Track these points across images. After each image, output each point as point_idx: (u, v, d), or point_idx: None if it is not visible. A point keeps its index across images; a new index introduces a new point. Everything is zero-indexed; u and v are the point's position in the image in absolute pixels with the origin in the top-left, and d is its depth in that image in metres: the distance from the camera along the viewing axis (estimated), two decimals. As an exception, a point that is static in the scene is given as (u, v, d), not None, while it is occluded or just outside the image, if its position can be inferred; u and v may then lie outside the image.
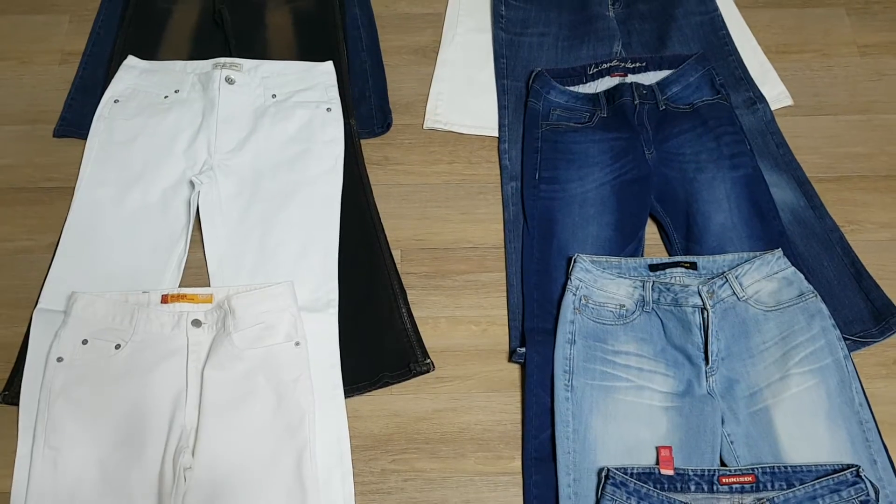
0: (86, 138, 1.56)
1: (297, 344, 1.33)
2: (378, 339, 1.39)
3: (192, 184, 1.49)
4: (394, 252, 1.48)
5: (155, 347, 1.31)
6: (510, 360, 1.39)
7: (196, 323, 1.33)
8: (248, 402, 1.28)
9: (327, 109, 1.58)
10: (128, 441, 1.24)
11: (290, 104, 1.58)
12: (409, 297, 1.43)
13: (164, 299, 1.35)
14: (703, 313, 1.35)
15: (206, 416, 1.26)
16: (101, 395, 1.27)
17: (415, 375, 1.37)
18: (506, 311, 1.44)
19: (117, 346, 1.31)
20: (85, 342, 1.31)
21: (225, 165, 1.52)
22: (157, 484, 1.21)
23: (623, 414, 1.31)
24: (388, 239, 1.49)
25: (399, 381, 1.36)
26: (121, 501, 1.21)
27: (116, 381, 1.28)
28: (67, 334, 1.30)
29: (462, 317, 1.43)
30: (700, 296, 1.35)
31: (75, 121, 1.61)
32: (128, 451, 1.24)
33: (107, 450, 1.24)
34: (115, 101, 1.58)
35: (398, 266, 1.47)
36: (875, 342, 1.39)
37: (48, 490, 1.22)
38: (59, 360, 1.29)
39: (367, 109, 1.63)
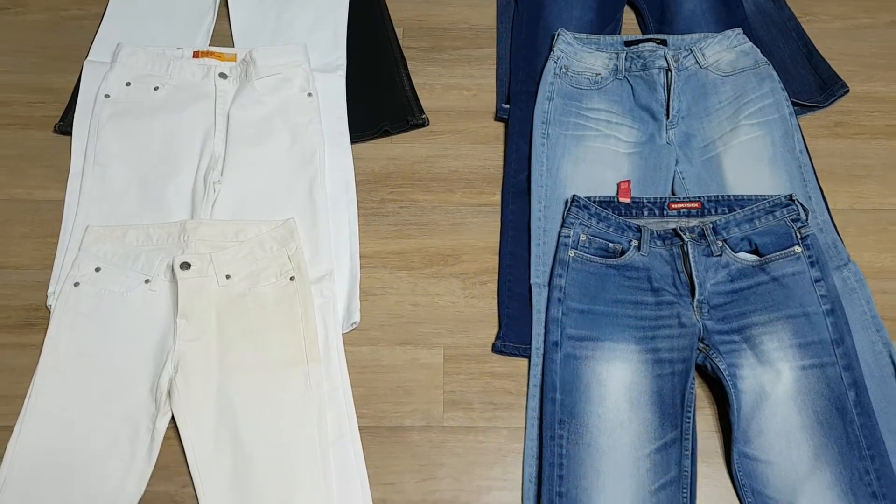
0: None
1: (310, 95, 1.53)
2: (380, 98, 1.59)
3: (219, -34, 1.69)
4: (396, 30, 1.67)
5: (188, 91, 1.52)
6: (496, 118, 1.59)
7: (222, 75, 1.53)
8: (268, 138, 1.49)
9: None
10: (165, 161, 1.45)
11: None
12: (409, 66, 1.63)
13: (196, 54, 1.55)
14: (667, 74, 1.52)
15: (231, 147, 1.47)
16: (142, 124, 1.48)
17: (412, 128, 1.57)
18: (494, 81, 1.63)
19: (156, 88, 1.51)
20: (128, 84, 1.51)
21: (248, -46, 1.72)
22: (191, 194, 1.43)
23: (591, 158, 1.50)
24: (392, 19, 1.68)
25: (398, 132, 1.56)
26: (159, 208, 1.42)
27: (155, 114, 1.49)
28: (114, 76, 1.51)
29: (455, 84, 1.63)
30: (666, 59, 1.53)
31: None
32: (165, 169, 1.45)
33: (147, 167, 1.45)
34: None
35: (400, 41, 1.66)
36: (820, 108, 1.57)
37: (96, 198, 1.43)
38: (107, 96, 1.50)
39: None
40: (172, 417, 1.25)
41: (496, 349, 1.35)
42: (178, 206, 1.42)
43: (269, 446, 1.21)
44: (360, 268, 1.42)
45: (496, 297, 1.40)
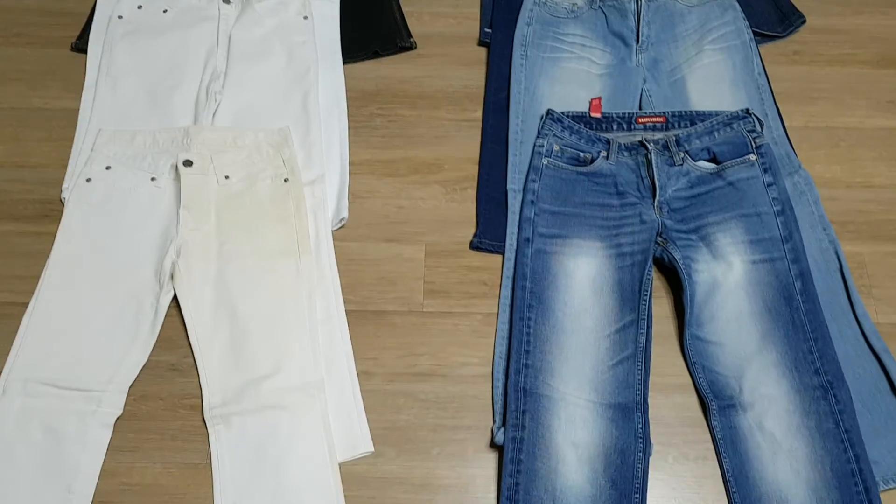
0: None
1: (305, 18, 1.65)
2: (372, 23, 1.71)
3: None
4: (389, -35, 1.80)
5: (194, 14, 1.64)
6: (479, 43, 1.70)
7: (225, 1, 1.65)
8: (266, 56, 1.61)
9: None
10: (171, 74, 1.57)
11: None
12: (399, -5, 1.76)
13: (201, -18, 1.68)
14: (637, 3, 1.64)
15: (232, 63, 1.59)
16: (151, 42, 1.60)
17: (401, 50, 1.69)
18: (478, 11, 1.75)
19: (164, 11, 1.64)
20: (140, 7, 1.64)
21: None
22: (194, 104, 1.55)
23: (566, 78, 1.62)
24: (385, -45, 1.81)
25: (387, 54, 1.68)
26: (165, 115, 1.54)
27: (163, 33, 1.62)
28: (128, 1, 1.64)
29: (442, 12, 1.75)
30: (636, -12, 1.65)
31: None
32: (171, 81, 1.57)
33: (154, 79, 1.57)
34: None
35: (392, -25, 1.79)
36: (780, 38, 1.69)
37: (108, 106, 1.55)
38: (120, 17, 1.62)
39: None
40: (175, 297, 1.37)
41: (473, 246, 1.47)
42: (183, 114, 1.54)
43: (262, 321, 1.33)
44: (350, 174, 1.53)
45: (475, 201, 1.51)
